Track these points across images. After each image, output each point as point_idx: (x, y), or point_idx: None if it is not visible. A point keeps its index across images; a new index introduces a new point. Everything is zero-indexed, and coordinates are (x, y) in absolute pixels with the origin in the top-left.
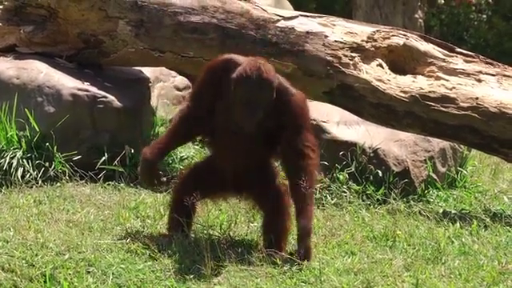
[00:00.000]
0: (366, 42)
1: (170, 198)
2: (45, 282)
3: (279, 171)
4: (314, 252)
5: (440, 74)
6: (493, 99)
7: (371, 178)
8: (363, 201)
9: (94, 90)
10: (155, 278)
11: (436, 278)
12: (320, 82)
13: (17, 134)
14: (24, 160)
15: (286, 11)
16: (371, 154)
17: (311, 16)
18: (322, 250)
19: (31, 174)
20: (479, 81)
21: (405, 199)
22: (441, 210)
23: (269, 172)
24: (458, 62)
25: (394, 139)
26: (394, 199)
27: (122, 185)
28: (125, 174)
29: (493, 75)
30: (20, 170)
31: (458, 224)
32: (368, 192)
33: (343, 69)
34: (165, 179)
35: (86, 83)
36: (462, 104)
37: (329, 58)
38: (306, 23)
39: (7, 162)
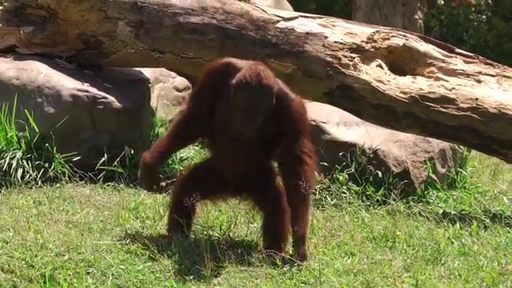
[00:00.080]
0: (366, 42)
1: (170, 199)
2: (44, 282)
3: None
4: (310, 256)
5: (440, 75)
6: (492, 100)
7: (371, 178)
8: (363, 201)
9: (93, 90)
10: (155, 279)
11: (436, 279)
12: (320, 82)
13: (16, 135)
14: (24, 161)
15: (286, 12)
16: (371, 155)
17: (311, 17)
18: (322, 251)
19: (31, 175)
20: (479, 81)
21: (404, 200)
22: (440, 211)
23: (268, 173)
24: (457, 63)
25: (394, 140)
26: (394, 200)
27: (121, 185)
28: (124, 175)
29: (492, 76)
30: (20, 171)
31: (457, 225)
32: (368, 193)
33: (343, 69)
34: (164, 184)
35: (85, 84)
36: (461, 105)
37: (328, 59)
38: (305, 24)
39: (7, 162)
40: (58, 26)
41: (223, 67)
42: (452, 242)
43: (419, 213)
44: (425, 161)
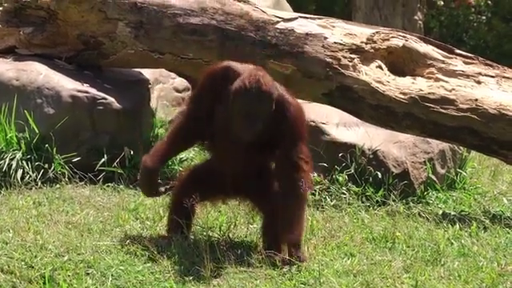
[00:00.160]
0: (366, 43)
1: (170, 200)
2: (44, 283)
3: None
4: (310, 256)
5: (439, 76)
6: (492, 101)
7: (370, 179)
8: (362, 202)
9: (93, 91)
10: (154, 280)
11: (435, 280)
12: (319, 83)
13: (16, 136)
14: (23, 161)
15: (286, 13)
16: (370, 156)
17: (311, 17)
18: (322, 252)
19: (30, 176)
20: (479, 82)
21: (404, 201)
22: (440, 212)
23: (268, 174)
24: (457, 64)
25: (394, 141)
26: (394, 201)
27: (121, 186)
28: (124, 176)
29: (492, 77)
30: (19, 172)
31: (457, 226)
32: (367, 193)
33: (342, 70)
34: (163, 189)
35: (85, 85)
36: (461, 105)
37: (328, 60)
38: (305, 25)
39: (6, 163)
40: (57, 26)
41: (223, 71)
42: (451, 243)
43: (419, 214)
44: (424, 162)
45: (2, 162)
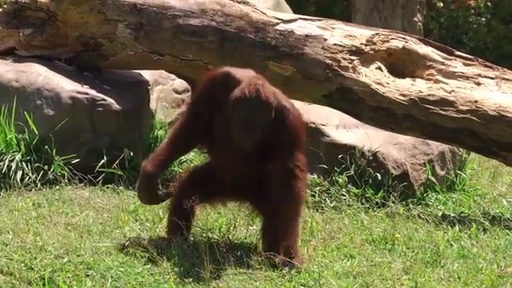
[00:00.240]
0: (365, 45)
1: (169, 202)
2: (44, 285)
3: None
4: (310, 258)
5: (439, 77)
6: (492, 102)
7: (370, 181)
8: (362, 204)
9: (93, 92)
10: (154, 282)
11: (435, 282)
12: (319, 85)
13: (16, 137)
14: (23, 163)
15: (286, 14)
16: (370, 157)
17: (310, 19)
18: (321, 253)
19: (30, 177)
20: (478, 84)
21: (404, 202)
22: (440, 214)
23: (267, 177)
24: (457, 65)
25: (393, 142)
26: (393, 202)
27: (121, 188)
28: (124, 177)
29: (492, 78)
30: (19, 173)
31: (456, 227)
32: (367, 195)
33: (342, 72)
34: (162, 194)
35: (85, 86)
36: (461, 107)
37: (328, 61)
38: (305, 26)
39: (6, 165)
40: (57, 28)
41: (222, 77)
42: (451, 245)
43: (418, 215)
44: (424, 163)
45: (2, 163)
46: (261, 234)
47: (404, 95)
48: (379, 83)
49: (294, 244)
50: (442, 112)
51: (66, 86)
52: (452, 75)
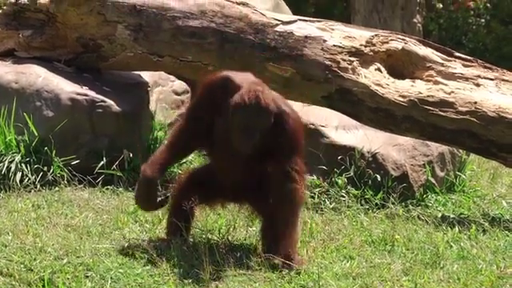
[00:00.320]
0: (365, 46)
1: (169, 203)
2: (43, 286)
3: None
4: (309, 259)
5: (439, 79)
6: (491, 103)
7: (370, 182)
8: (362, 205)
9: (92, 94)
10: (154, 283)
11: (434, 283)
12: (318, 86)
13: (15, 139)
14: (22, 164)
15: (285, 15)
16: (370, 159)
17: (310, 20)
18: (321, 255)
19: (30, 179)
20: (478, 85)
21: (403, 203)
22: (439, 215)
23: (267, 179)
24: (456, 67)
25: (393, 144)
26: (393, 203)
27: (120, 189)
28: (123, 179)
29: (491, 79)
30: (18, 175)
31: (456, 228)
32: (366, 196)
33: (342, 73)
34: (161, 198)
35: (84, 87)
36: (460, 108)
37: (327, 63)
38: (304, 27)
39: (6, 166)
40: (56, 29)
41: (222, 82)
42: (451, 246)
43: (418, 216)
44: (424, 164)
45: (1, 164)
46: (260, 235)
47: (403, 96)
48: (379, 84)
49: (294, 245)
50: (442, 113)
51: (66, 88)
52: (451, 76)
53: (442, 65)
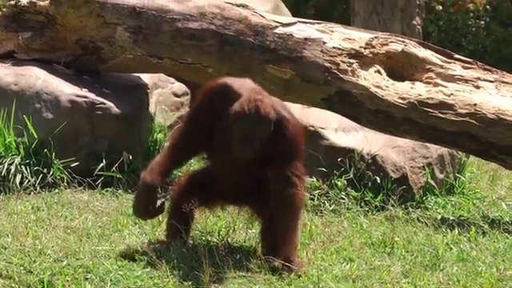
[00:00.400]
0: (365, 48)
1: (169, 205)
2: None
3: None
4: (309, 261)
5: (438, 81)
6: (491, 105)
7: (369, 184)
8: (361, 207)
9: (92, 96)
10: (153, 285)
11: (434, 285)
12: (318, 88)
13: (15, 141)
14: (22, 166)
15: (285, 18)
16: (369, 161)
17: (309, 22)
18: (321, 257)
19: (29, 181)
20: (477, 87)
21: (403, 206)
22: (439, 217)
23: (267, 182)
24: (456, 69)
25: (392, 145)
26: (393, 206)
27: (120, 191)
28: (123, 181)
29: (491, 82)
30: (18, 177)
31: (456, 230)
32: (366, 198)
33: (341, 75)
34: (158, 206)
35: (84, 89)
36: (460, 110)
37: (327, 65)
38: (304, 29)
39: (5, 168)
40: (56, 31)
41: (221, 88)
42: (450, 248)
43: (418, 218)
44: (423, 166)
45: (1, 166)
46: (260, 237)
47: (403, 98)
48: (378, 86)
49: (294, 248)
50: (441, 115)
51: (65, 90)
52: (451, 78)
53: (442, 67)
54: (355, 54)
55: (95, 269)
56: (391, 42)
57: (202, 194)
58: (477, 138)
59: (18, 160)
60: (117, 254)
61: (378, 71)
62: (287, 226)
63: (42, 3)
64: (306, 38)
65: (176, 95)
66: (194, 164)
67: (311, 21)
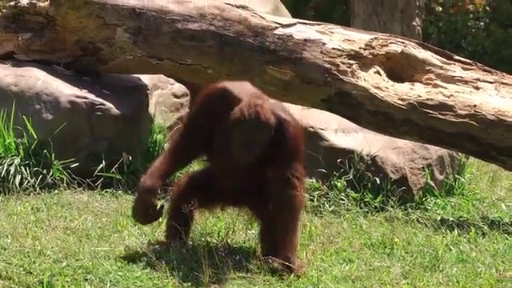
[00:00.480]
0: (364, 49)
1: (168, 206)
2: None
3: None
4: (308, 262)
5: (438, 82)
6: (491, 107)
7: (369, 185)
8: (361, 208)
9: (92, 97)
10: (153, 286)
11: (434, 286)
12: (318, 89)
13: (15, 142)
14: (22, 167)
15: (284, 19)
16: (369, 162)
17: (309, 23)
18: (320, 258)
19: (29, 182)
20: (477, 88)
21: (403, 207)
22: (439, 218)
23: (266, 184)
24: (455, 70)
25: (392, 147)
26: (392, 207)
27: (119, 192)
28: (122, 182)
29: (491, 83)
30: (18, 178)
31: (455, 231)
32: (366, 199)
33: (341, 76)
34: (159, 206)
35: (83, 90)
36: (459, 111)
37: (327, 66)
38: (304, 31)
39: (5, 169)
40: (56, 32)
41: (221, 92)
42: (450, 249)
43: (417, 219)
44: (423, 167)
45: (1, 167)
46: (259, 238)
47: (403, 99)
48: (378, 87)
49: (293, 248)
50: (441, 116)
51: (65, 91)
52: (451, 79)
53: (442, 68)
54: (355, 55)
55: (95, 270)
56: (391, 43)
57: (202, 194)
58: (476, 139)
59: (17, 161)
60: (116, 254)
61: (378, 72)
62: (287, 227)
63: (41, 4)
64: (305, 39)
65: (176, 96)
66: (194, 165)
67: (311, 22)
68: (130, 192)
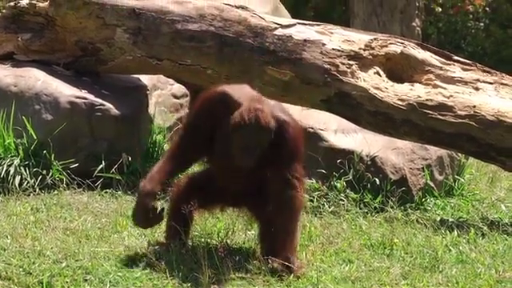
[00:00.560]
0: (364, 50)
1: (168, 206)
2: None
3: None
4: (308, 263)
5: (437, 82)
6: (490, 107)
7: (369, 186)
8: (361, 209)
9: (91, 97)
10: (152, 286)
11: (433, 287)
12: (318, 89)
13: (14, 142)
14: (21, 168)
15: (284, 19)
16: (369, 162)
17: (309, 24)
18: (320, 258)
19: (28, 182)
20: (477, 89)
21: (402, 207)
22: (438, 218)
23: (266, 185)
24: (455, 70)
25: (392, 147)
26: (392, 207)
27: (119, 193)
28: (122, 182)
29: (490, 83)
30: (17, 178)
31: (455, 232)
32: (365, 200)
33: (341, 77)
34: (159, 209)
35: (83, 91)
36: (459, 112)
37: (326, 66)
38: (303, 31)
39: (5, 169)
40: (55, 32)
41: (220, 96)
42: (450, 250)
43: (417, 220)
44: (422, 168)
45: (0, 168)
46: (258, 239)
47: (402, 100)
48: (377, 88)
49: (293, 249)
50: (441, 117)
51: (65, 91)
52: (450, 80)
53: (441, 68)
54: (354, 56)
55: (94, 270)
56: (390, 43)
57: (202, 195)
58: (476, 140)
59: (17, 161)
60: (116, 255)
61: (378, 73)
62: (287, 228)
63: (41, 4)
64: (305, 40)
65: (175, 97)
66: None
67: (311, 22)
68: (129, 192)
